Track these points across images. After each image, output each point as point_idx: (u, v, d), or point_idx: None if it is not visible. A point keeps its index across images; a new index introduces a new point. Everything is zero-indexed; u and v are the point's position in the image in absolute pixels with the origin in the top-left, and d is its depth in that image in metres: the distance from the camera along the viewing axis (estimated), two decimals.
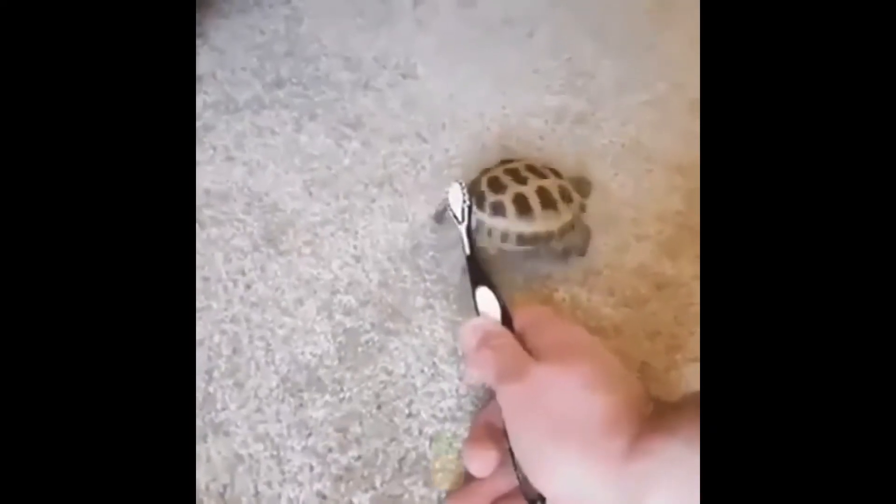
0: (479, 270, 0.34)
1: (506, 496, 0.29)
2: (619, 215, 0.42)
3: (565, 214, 0.37)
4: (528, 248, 0.37)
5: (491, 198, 0.36)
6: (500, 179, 0.37)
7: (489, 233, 0.36)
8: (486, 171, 0.39)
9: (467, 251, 0.35)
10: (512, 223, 0.36)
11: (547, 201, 0.36)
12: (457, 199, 0.36)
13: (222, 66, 0.52)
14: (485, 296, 0.32)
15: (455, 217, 0.36)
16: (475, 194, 0.37)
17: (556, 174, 0.39)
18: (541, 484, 0.26)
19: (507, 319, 0.31)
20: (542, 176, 0.38)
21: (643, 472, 0.23)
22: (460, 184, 0.36)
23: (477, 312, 0.32)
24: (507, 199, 0.36)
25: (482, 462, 0.28)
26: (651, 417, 0.25)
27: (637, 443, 0.24)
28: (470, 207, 0.36)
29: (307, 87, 0.50)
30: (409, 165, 0.45)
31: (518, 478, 0.27)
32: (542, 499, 0.27)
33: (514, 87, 0.51)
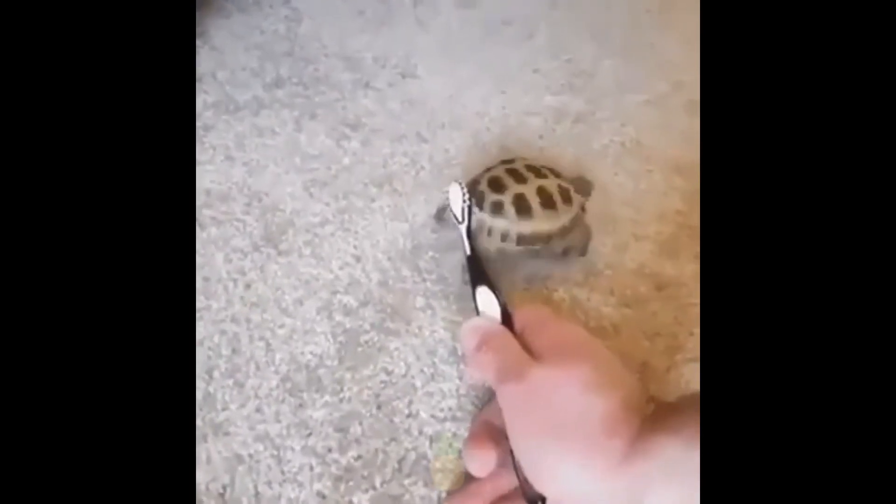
0: (479, 270, 0.34)
1: (506, 496, 0.29)
2: (619, 215, 0.42)
3: (565, 215, 0.37)
4: (528, 247, 0.37)
5: (491, 197, 0.36)
6: (500, 179, 0.37)
7: (489, 232, 0.36)
8: (486, 170, 0.39)
9: (468, 251, 0.35)
10: (512, 223, 0.36)
11: (547, 201, 0.36)
12: (457, 199, 0.36)
13: (222, 66, 0.52)
14: (485, 296, 0.32)
15: (455, 217, 0.36)
16: (475, 194, 0.37)
17: (556, 174, 0.39)
18: (541, 484, 0.26)
19: (506, 319, 0.31)
20: (542, 176, 0.38)
21: (643, 472, 0.23)
22: (460, 184, 0.36)
23: (477, 312, 0.32)
24: (507, 198, 0.36)
25: (482, 462, 0.28)
26: (651, 417, 0.25)
27: (637, 443, 0.24)
28: (470, 208, 0.36)
29: (307, 87, 0.51)
30: (408, 165, 0.45)
31: (518, 478, 0.28)
32: (543, 499, 0.27)
33: (514, 86, 0.51)
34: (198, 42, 0.54)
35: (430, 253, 0.40)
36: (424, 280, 0.38)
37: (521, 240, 0.36)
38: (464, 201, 0.36)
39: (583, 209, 0.39)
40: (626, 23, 0.57)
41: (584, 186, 0.41)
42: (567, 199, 0.37)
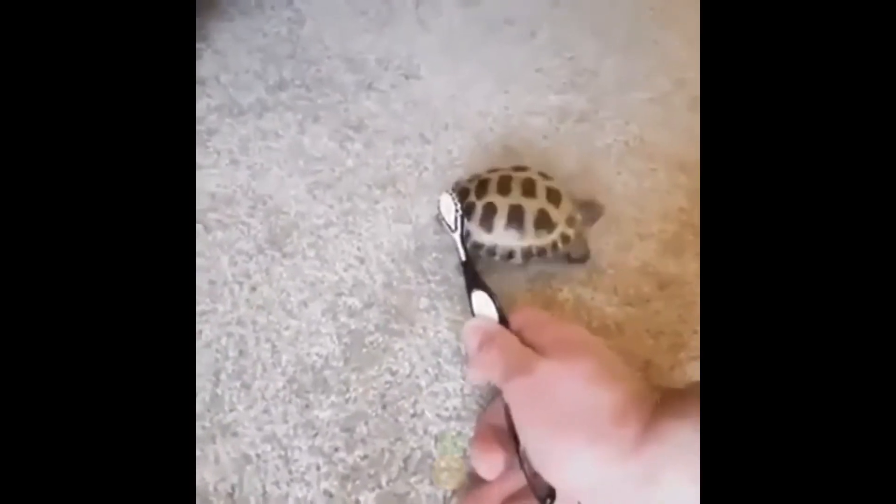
0: (474, 276, 0.34)
1: (514, 496, 0.29)
2: (623, 214, 0.42)
3: (554, 234, 0.37)
4: (517, 262, 0.37)
5: (482, 217, 0.37)
6: (493, 204, 0.37)
7: (480, 249, 0.37)
8: (481, 182, 0.38)
9: (462, 257, 0.36)
10: (500, 240, 0.37)
11: (540, 221, 0.36)
12: (448, 208, 0.37)
13: (225, 69, 0.52)
14: (481, 300, 0.33)
15: (448, 226, 0.37)
16: (467, 207, 0.37)
17: (554, 195, 0.38)
18: (552, 476, 0.26)
19: (503, 322, 0.32)
20: (532, 195, 0.37)
21: (655, 455, 0.23)
22: (450, 194, 0.37)
23: (473, 316, 0.33)
24: (498, 219, 0.36)
25: (491, 465, 0.29)
26: (659, 404, 0.25)
27: (647, 429, 0.24)
28: (463, 216, 0.36)
29: (310, 89, 0.51)
30: (412, 167, 0.45)
31: (526, 475, 0.28)
32: (552, 495, 0.27)
33: (517, 86, 0.51)
34: (200, 45, 0.54)
35: (434, 254, 0.40)
36: (428, 281, 0.39)
37: (510, 256, 0.37)
38: (455, 210, 0.36)
39: (575, 231, 0.38)
40: (629, 20, 0.57)
41: (593, 211, 0.40)
42: (558, 221, 0.37)
